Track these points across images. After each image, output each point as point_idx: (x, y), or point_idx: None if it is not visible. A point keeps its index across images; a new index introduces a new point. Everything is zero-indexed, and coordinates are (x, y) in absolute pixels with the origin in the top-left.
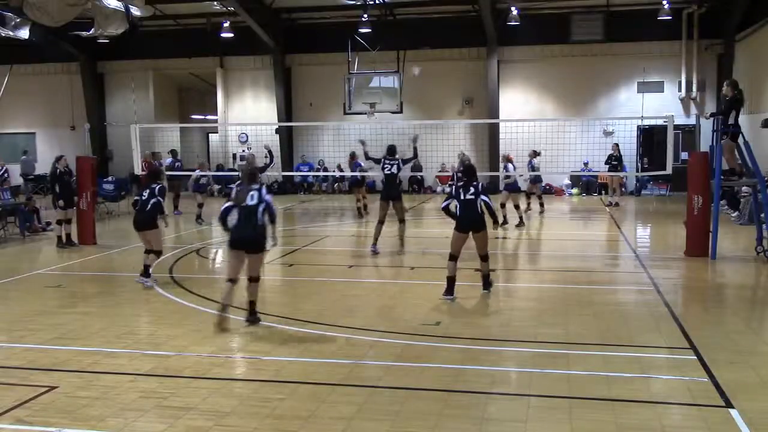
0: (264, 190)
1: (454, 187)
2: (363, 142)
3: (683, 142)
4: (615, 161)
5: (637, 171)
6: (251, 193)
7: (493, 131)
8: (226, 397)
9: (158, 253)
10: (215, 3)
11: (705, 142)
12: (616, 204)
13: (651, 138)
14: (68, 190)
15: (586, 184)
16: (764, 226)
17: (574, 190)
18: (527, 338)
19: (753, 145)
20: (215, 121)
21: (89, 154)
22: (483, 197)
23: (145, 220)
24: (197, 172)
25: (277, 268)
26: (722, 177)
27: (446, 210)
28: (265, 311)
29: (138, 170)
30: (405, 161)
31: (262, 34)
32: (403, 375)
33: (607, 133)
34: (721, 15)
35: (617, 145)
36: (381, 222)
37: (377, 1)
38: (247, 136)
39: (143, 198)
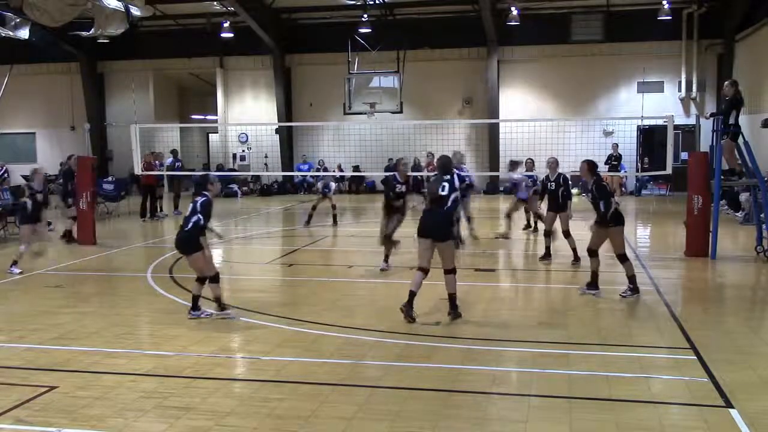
0: (456, 181)
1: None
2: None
3: (683, 142)
4: (615, 161)
5: (637, 171)
6: (443, 183)
7: (493, 131)
8: (226, 397)
9: (213, 279)
10: (215, 3)
11: (705, 142)
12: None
13: (651, 138)
14: None
15: (587, 184)
16: (764, 226)
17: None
18: (527, 338)
19: (753, 145)
20: (215, 121)
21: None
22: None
23: (188, 240)
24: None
25: (277, 268)
26: (722, 177)
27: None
28: (265, 311)
29: (138, 170)
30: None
31: (262, 34)
32: (403, 375)
33: (607, 133)
34: (721, 15)
35: (617, 145)
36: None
37: (377, 1)
38: (247, 136)
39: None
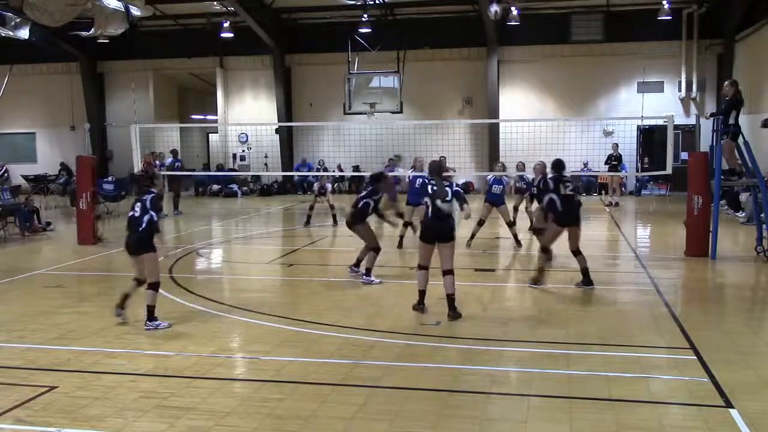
0: (454, 185)
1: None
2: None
3: (683, 142)
4: (614, 161)
5: (637, 171)
6: (446, 189)
7: (493, 131)
8: (226, 397)
9: (155, 285)
10: (215, 3)
11: (705, 142)
12: (616, 204)
13: (651, 138)
14: None
15: (586, 184)
16: (764, 226)
17: None
18: (527, 338)
19: (753, 145)
20: (215, 121)
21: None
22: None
23: (143, 240)
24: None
25: (277, 268)
26: (722, 177)
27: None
28: (265, 311)
29: (138, 170)
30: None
31: (262, 34)
32: (403, 375)
33: (607, 133)
34: (721, 15)
35: (616, 145)
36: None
37: (377, 1)
38: (247, 136)
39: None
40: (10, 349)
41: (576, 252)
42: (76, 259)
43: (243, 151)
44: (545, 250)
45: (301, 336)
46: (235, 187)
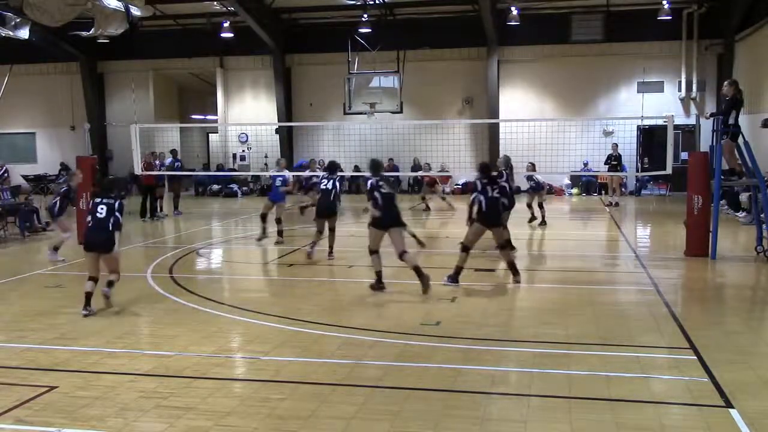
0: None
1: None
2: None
3: (683, 142)
4: (614, 161)
5: (637, 171)
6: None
7: (493, 131)
8: (226, 397)
9: (113, 283)
10: (215, 3)
11: (705, 142)
12: (616, 204)
13: (651, 138)
14: None
15: (586, 184)
16: (764, 226)
17: (574, 190)
18: (527, 338)
19: (753, 145)
20: (215, 121)
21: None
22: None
23: (110, 239)
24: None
25: (277, 268)
26: (722, 177)
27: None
28: (266, 311)
29: (138, 170)
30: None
31: (262, 34)
32: (403, 375)
33: (607, 133)
34: (721, 15)
35: (616, 145)
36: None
37: (377, 1)
38: (247, 136)
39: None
40: (10, 349)
41: (501, 247)
42: (76, 259)
43: (243, 151)
44: (465, 249)
45: (301, 336)
46: (235, 187)
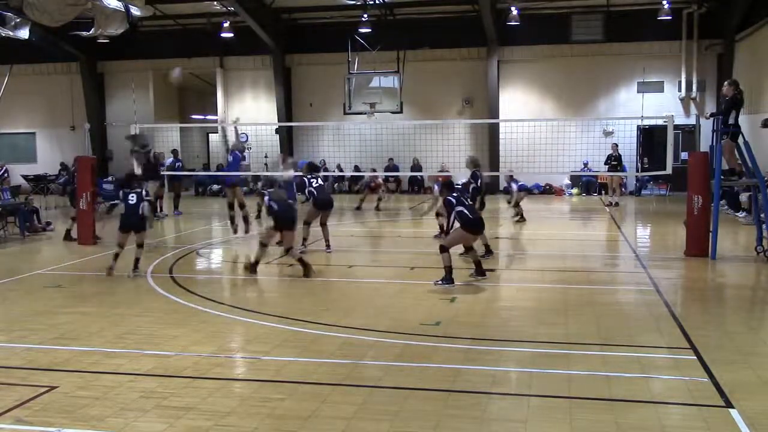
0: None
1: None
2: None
3: (683, 142)
4: (614, 161)
5: (637, 171)
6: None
7: (493, 131)
8: (226, 397)
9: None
10: (215, 3)
11: (705, 142)
12: (616, 204)
13: (651, 138)
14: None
15: (586, 184)
16: (764, 226)
17: (574, 190)
18: (527, 338)
19: (753, 145)
20: (215, 121)
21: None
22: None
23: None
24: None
25: (276, 268)
26: (722, 177)
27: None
28: (265, 311)
29: (138, 170)
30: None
31: (262, 34)
32: (403, 375)
33: (607, 133)
34: (721, 15)
35: (616, 145)
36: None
37: (377, 1)
38: (247, 136)
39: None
40: (10, 349)
41: (470, 248)
42: (76, 259)
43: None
44: (445, 250)
45: (301, 336)
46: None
